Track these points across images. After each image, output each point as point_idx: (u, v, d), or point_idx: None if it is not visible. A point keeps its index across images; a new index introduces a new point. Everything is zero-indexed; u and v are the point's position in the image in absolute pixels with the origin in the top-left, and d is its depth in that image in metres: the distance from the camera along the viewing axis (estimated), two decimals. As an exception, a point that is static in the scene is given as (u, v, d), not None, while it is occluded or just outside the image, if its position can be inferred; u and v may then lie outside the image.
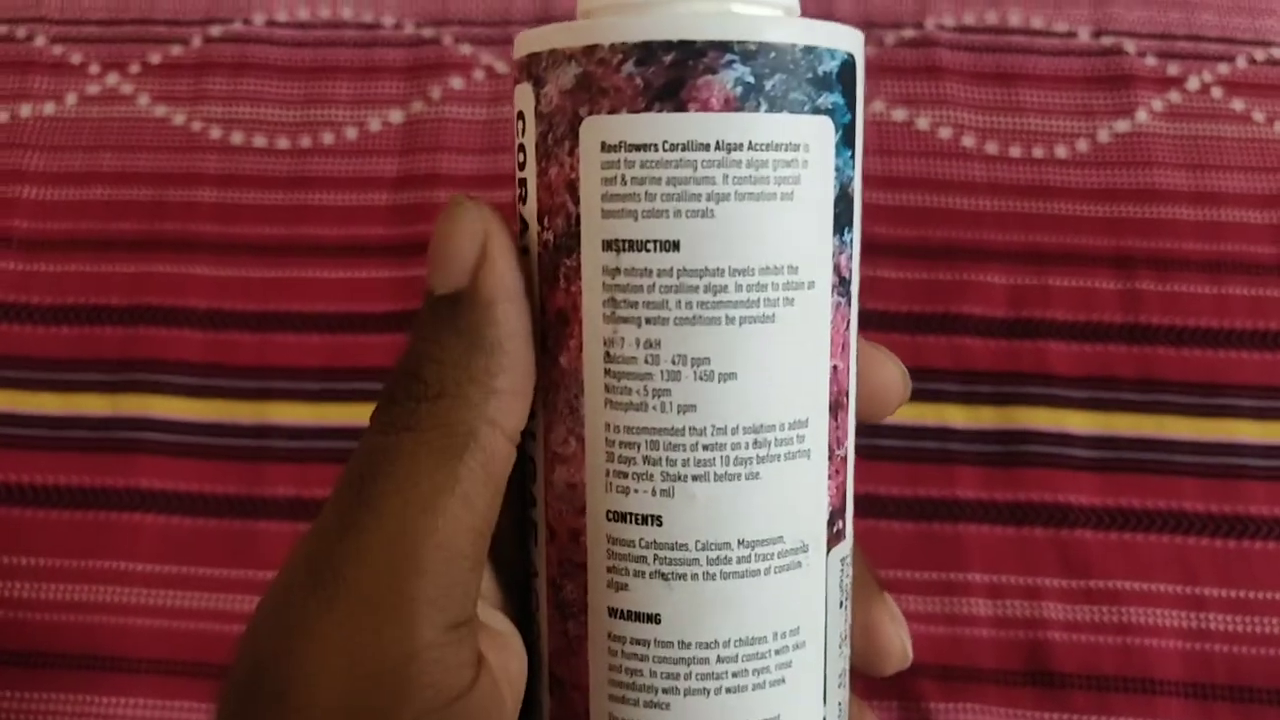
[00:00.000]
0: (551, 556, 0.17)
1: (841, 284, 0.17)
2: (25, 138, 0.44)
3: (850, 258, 0.18)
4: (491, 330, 0.16)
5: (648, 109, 0.16)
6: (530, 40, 0.17)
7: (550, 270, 0.17)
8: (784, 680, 0.17)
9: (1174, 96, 0.44)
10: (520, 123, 0.17)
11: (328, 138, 0.44)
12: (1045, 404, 0.39)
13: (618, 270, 0.16)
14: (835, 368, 0.17)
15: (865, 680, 0.35)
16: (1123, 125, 0.43)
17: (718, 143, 0.16)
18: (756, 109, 0.16)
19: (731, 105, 0.16)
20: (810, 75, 0.16)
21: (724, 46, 0.15)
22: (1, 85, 0.45)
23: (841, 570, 0.18)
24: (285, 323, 0.40)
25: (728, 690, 0.17)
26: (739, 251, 0.16)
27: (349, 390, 0.39)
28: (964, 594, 0.36)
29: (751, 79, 0.16)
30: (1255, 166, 0.42)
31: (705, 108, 0.16)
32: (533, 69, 0.17)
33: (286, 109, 0.44)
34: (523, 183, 0.17)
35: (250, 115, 0.44)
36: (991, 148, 0.43)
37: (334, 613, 0.15)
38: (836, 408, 0.17)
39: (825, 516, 0.17)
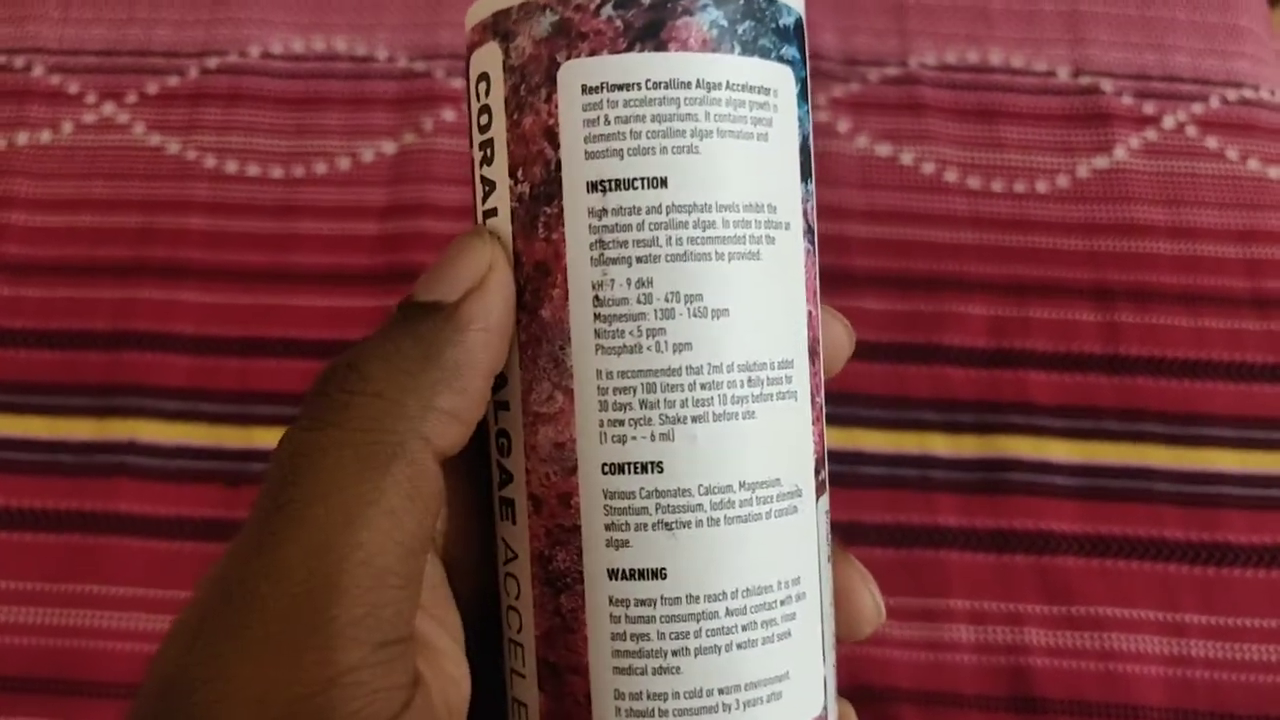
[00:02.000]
0: (537, 529, 0.17)
1: (809, 231, 0.18)
2: (18, 164, 0.44)
3: (812, 209, 0.18)
4: (454, 352, 0.15)
5: (629, 49, 0.16)
6: (494, 0, 0.17)
7: (527, 222, 0.16)
8: (790, 634, 0.17)
9: (1150, 134, 0.45)
10: (483, 84, 0.17)
11: (320, 167, 0.44)
12: (1026, 433, 0.39)
13: (604, 211, 0.16)
14: (810, 313, 0.18)
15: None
16: (1101, 161, 0.44)
17: (698, 80, 0.16)
18: (731, 51, 0.16)
19: (709, 46, 0.16)
20: (774, 25, 0.17)
21: None
22: (-2, 113, 0.45)
23: (827, 521, 0.18)
24: (270, 349, 0.41)
25: (738, 646, 0.16)
26: (725, 187, 0.16)
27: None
28: (946, 620, 0.36)
29: (725, 23, 0.16)
30: (1229, 203, 0.43)
31: (685, 47, 0.16)
32: (499, 25, 0.17)
33: (280, 139, 0.45)
34: (487, 144, 0.17)
35: (244, 145, 0.45)
36: (973, 182, 0.44)
37: (248, 635, 0.14)
38: (813, 354, 0.18)
39: (813, 461, 0.17)
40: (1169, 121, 0.45)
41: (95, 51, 0.47)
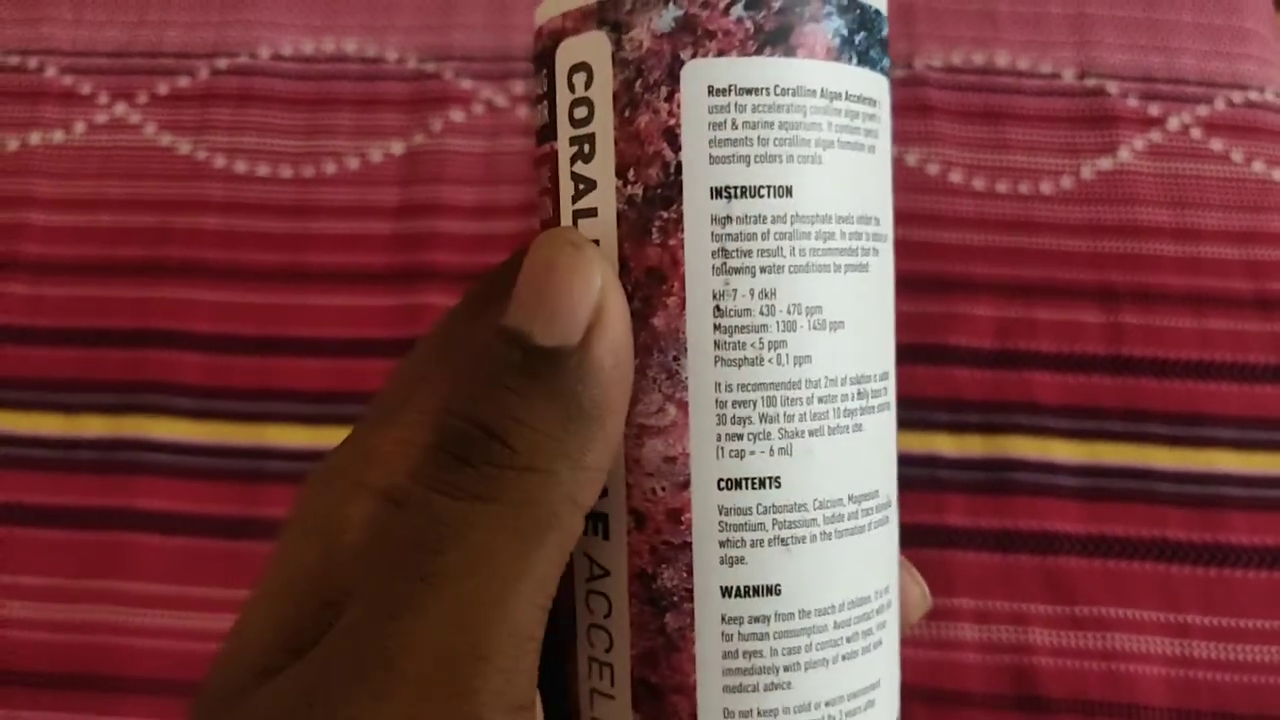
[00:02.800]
0: (639, 546, 0.16)
1: (893, 241, 0.18)
2: (34, 164, 0.45)
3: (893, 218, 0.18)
4: (593, 402, 0.15)
5: (758, 52, 0.15)
6: None
7: (639, 225, 0.16)
8: (881, 642, 0.17)
9: (1155, 136, 0.45)
10: (581, 75, 0.16)
11: (330, 167, 0.45)
12: (1031, 433, 0.39)
13: (728, 218, 0.15)
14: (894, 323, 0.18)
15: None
16: (1106, 163, 0.44)
17: (822, 90, 0.16)
18: (850, 61, 0.16)
19: (831, 55, 0.16)
20: (879, 36, 0.17)
21: None
22: (13, 114, 0.46)
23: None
24: (285, 347, 0.41)
25: (844, 658, 0.16)
26: (843, 199, 0.16)
27: (347, 414, 0.40)
28: (951, 619, 0.37)
29: (845, 32, 0.16)
30: (1233, 205, 0.43)
31: (812, 55, 0.16)
32: (608, 14, 0.16)
33: (290, 139, 0.45)
34: (584, 139, 0.16)
35: (255, 145, 0.45)
36: (979, 184, 0.44)
37: (385, 704, 0.14)
38: (896, 362, 0.18)
39: (896, 471, 0.18)
40: (1174, 123, 0.45)
41: (107, 53, 0.47)
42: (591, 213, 0.16)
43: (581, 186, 0.16)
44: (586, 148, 0.16)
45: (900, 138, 0.45)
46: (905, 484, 0.39)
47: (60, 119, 0.46)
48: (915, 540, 0.38)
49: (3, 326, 0.41)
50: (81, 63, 0.47)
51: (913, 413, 0.40)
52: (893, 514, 0.17)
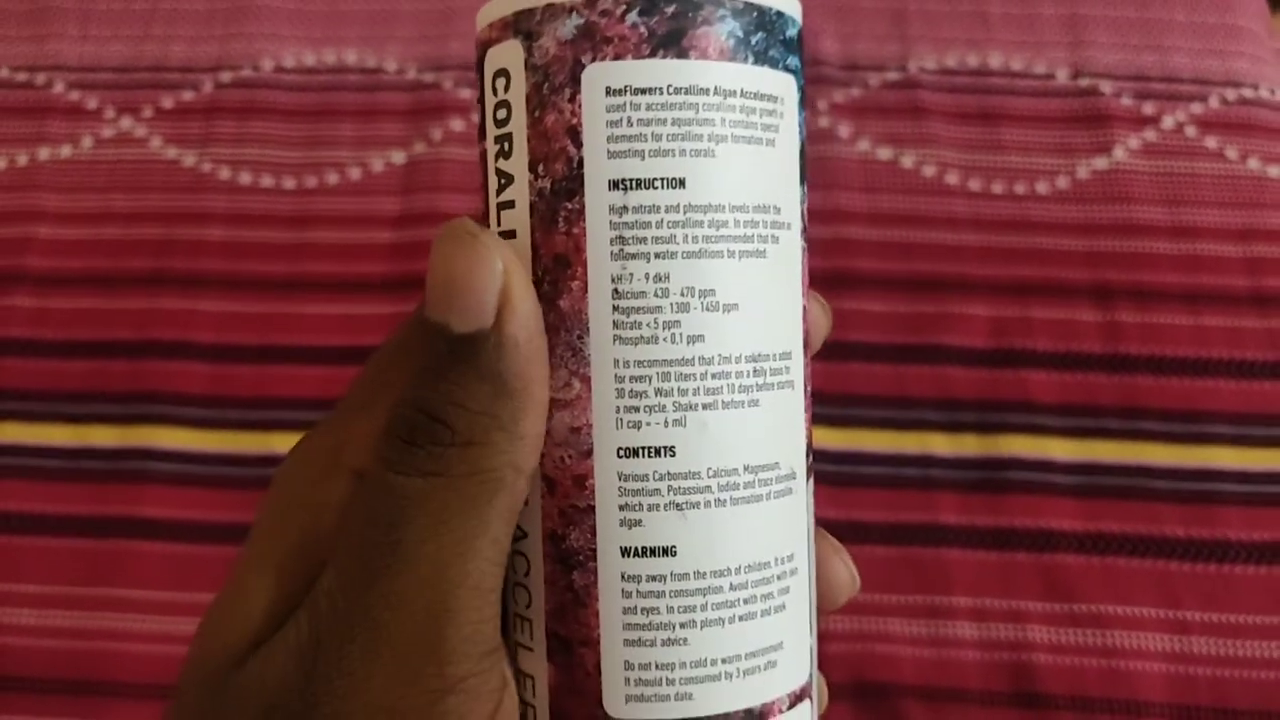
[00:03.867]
0: (550, 509, 0.17)
1: (804, 230, 0.19)
2: (41, 179, 0.45)
3: (806, 209, 0.19)
4: (515, 376, 0.16)
5: (652, 55, 0.17)
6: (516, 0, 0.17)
7: (548, 215, 0.17)
8: (784, 606, 0.18)
9: (1150, 135, 0.45)
10: (501, 80, 0.18)
11: (332, 178, 0.45)
12: (1027, 432, 0.40)
13: (625, 208, 0.17)
14: (805, 307, 0.19)
15: (851, 698, 0.35)
16: (1101, 162, 0.45)
17: (715, 88, 0.17)
18: (745, 60, 0.17)
19: (725, 55, 0.17)
20: (781, 37, 0.18)
21: (718, 3, 0.17)
22: (21, 129, 0.47)
23: (812, 502, 0.19)
24: (287, 356, 0.42)
25: (740, 618, 0.17)
26: (737, 189, 0.17)
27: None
28: (949, 617, 0.37)
29: (740, 33, 0.17)
30: (1229, 202, 0.43)
31: (704, 55, 0.17)
32: (521, 24, 0.17)
33: (293, 150, 0.46)
34: (504, 138, 0.18)
35: (258, 156, 0.46)
36: (974, 184, 0.44)
37: (376, 658, 0.15)
38: (806, 344, 0.19)
39: (805, 445, 0.18)
40: (1168, 122, 0.45)
41: (113, 68, 0.48)
42: (510, 205, 0.18)
43: (503, 181, 0.18)
44: (506, 145, 0.18)
45: (896, 140, 0.45)
46: (900, 483, 0.39)
47: (67, 134, 0.47)
48: (912, 539, 0.38)
49: (10, 339, 0.42)
50: (88, 78, 0.48)
51: (908, 412, 0.40)
52: (798, 486, 0.18)
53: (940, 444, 0.40)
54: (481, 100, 0.18)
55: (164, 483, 0.40)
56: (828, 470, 0.39)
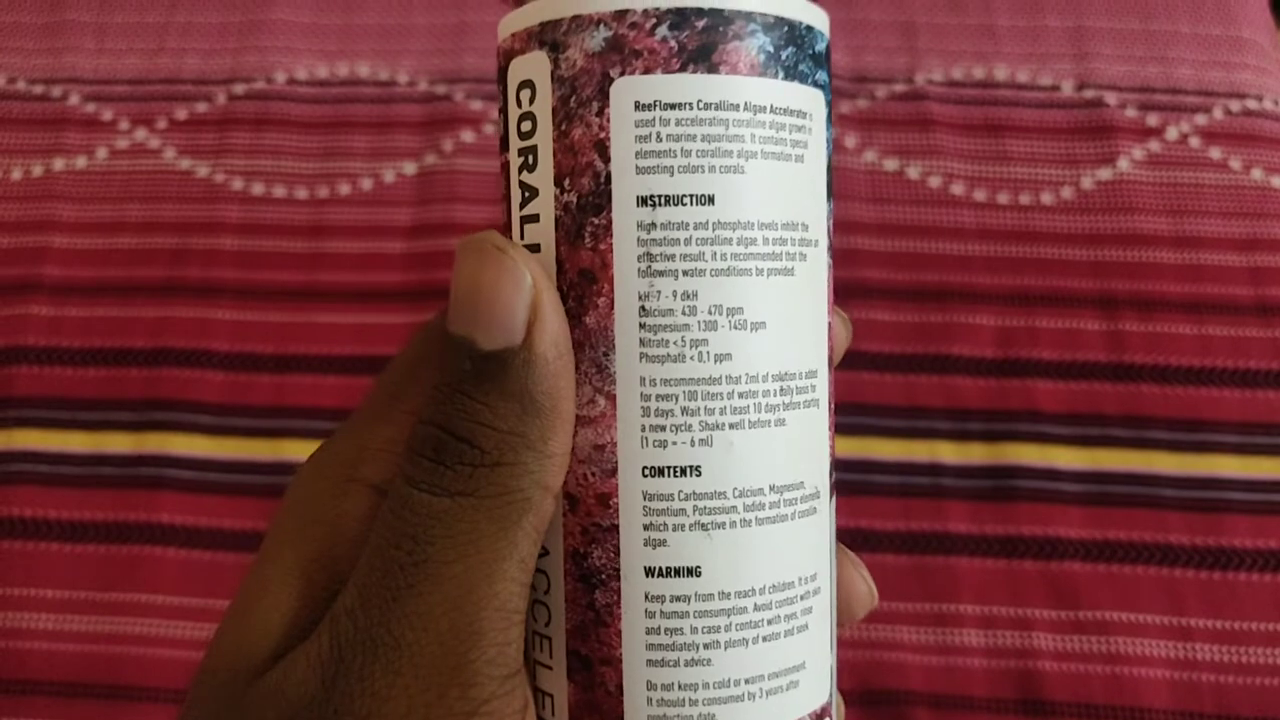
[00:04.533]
0: (572, 527, 0.17)
1: (830, 247, 0.19)
2: (58, 189, 0.46)
3: (832, 225, 0.19)
4: (545, 394, 0.16)
5: (682, 69, 0.16)
6: (542, 9, 0.17)
7: (574, 230, 0.17)
8: (807, 626, 0.18)
9: (1154, 146, 0.46)
10: (526, 92, 0.17)
11: (345, 188, 0.46)
12: (1034, 440, 0.40)
13: (653, 225, 0.16)
14: (830, 324, 0.19)
15: (860, 705, 0.36)
16: (1105, 173, 0.45)
17: (746, 104, 0.17)
18: (775, 76, 0.17)
19: (756, 70, 0.17)
20: (811, 51, 0.18)
21: (749, 17, 0.17)
22: (37, 141, 0.47)
23: (834, 520, 0.19)
24: (302, 365, 0.42)
25: (764, 639, 0.17)
26: (766, 206, 0.17)
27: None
28: (956, 625, 0.37)
29: (771, 48, 0.17)
30: (1233, 212, 0.44)
31: (735, 71, 0.17)
32: (547, 35, 0.17)
33: (306, 161, 0.46)
34: (529, 150, 0.17)
35: (271, 168, 0.46)
36: (980, 195, 0.45)
37: (399, 678, 0.15)
38: (830, 362, 0.19)
39: (829, 464, 0.18)
40: (1172, 133, 0.46)
41: (128, 80, 0.49)
42: (535, 219, 0.17)
43: (527, 194, 0.17)
44: (531, 158, 0.17)
45: (903, 151, 0.46)
46: (909, 492, 0.40)
47: (83, 145, 0.47)
48: (920, 547, 0.39)
49: (27, 347, 0.42)
50: (103, 90, 0.49)
51: (916, 421, 0.40)
52: (822, 505, 0.18)
53: (948, 452, 0.40)
54: (504, 111, 0.18)
55: (180, 489, 0.40)
56: (837, 479, 0.40)
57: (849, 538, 0.39)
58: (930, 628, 0.37)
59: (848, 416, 0.41)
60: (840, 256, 0.43)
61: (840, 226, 0.44)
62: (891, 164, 0.46)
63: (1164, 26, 0.48)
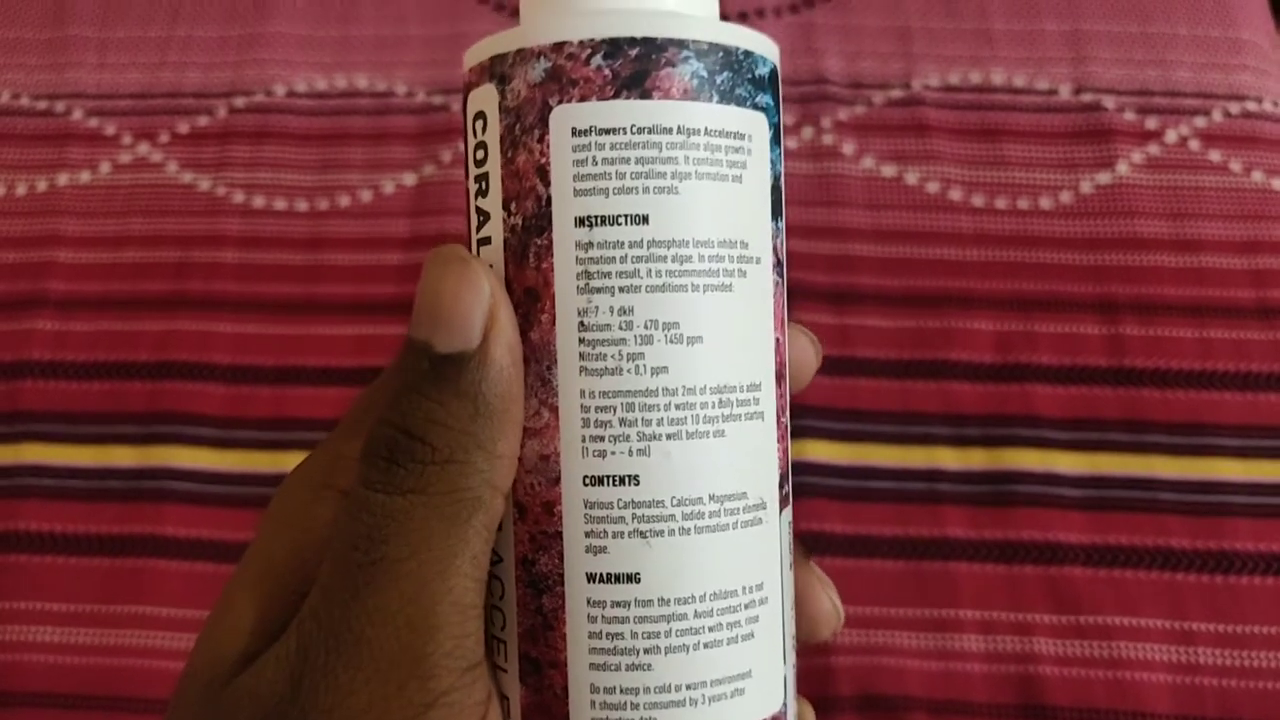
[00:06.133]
0: (521, 534, 0.18)
1: (778, 265, 0.19)
2: (62, 204, 0.46)
3: (782, 244, 0.19)
4: (497, 396, 0.17)
5: (615, 96, 0.17)
6: (493, 44, 0.18)
7: (519, 251, 0.18)
8: (753, 635, 0.18)
9: (1153, 149, 0.45)
10: (480, 122, 0.18)
11: (344, 200, 0.46)
12: (1033, 445, 0.40)
13: (590, 244, 0.17)
14: (777, 340, 0.19)
15: (859, 711, 0.36)
16: (1104, 177, 0.45)
17: (679, 127, 0.17)
18: (710, 100, 0.18)
19: (689, 95, 0.17)
20: (749, 76, 0.18)
21: (681, 44, 0.17)
22: (41, 156, 0.48)
23: (789, 532, 0.19)
24: (302, 377, 0.42)
25: (705, 645, 0.17)
26: (701, 225, 0.17)
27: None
28: (956, 630, 0.37)
29: (704, 73, 0.18)
30: (1233, 214, 0.44)
31: (667, 95, 0.17)
32: (496, 68, 0.18)
33: (305, 174, 0.47)
34: (482, 178, 0.18)
35: (271, 180, 0.47)
36: (978, 200, 0.45)
37: (360, 673, 0.16)
38: (779, 377, 0.19)
39: (777, 476, 0.19)
40: (1171, 136, 0.46)
41: (130, 95, 0.49)
42: (488, 241, 0.18)
43: (480, 218, 0.19)
44: (484, 184, 0.18)
45: (900, 157, 0.46)
46: (907, 497, 0.40)
47: (86, 160, 0.48)
48: (919, 553, 0.39)
49: (33, 362, 0.43)
50: (106, 105, 0.49)
51: (914, 427, 0.40)
52: (769, 516, 0.18)
53: (947, 458, 0.40)
54: (464, 140, 0.19)
55: (183, 502, 0.40)
56: (835, 485, 0.40)
57: (847, 544, 0.39)
58: (929, 633, 0.37)
59: (845, 422, 0.41)
60: (837, 262, 0.43)
61: (837, 232, 0.44)
62: (889, 170, 0.46)
63: (1162, 29, 0.48)
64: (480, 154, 0.18)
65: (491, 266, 0.18)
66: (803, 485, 0.39)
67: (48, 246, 0.45)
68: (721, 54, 0.18)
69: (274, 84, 0.49)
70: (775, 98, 0.19)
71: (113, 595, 0.39)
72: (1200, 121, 0.46)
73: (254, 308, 0.44)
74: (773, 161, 0.19)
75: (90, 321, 0.44)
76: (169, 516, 0.40)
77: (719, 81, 0.18)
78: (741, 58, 0.18)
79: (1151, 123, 0.46)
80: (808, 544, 0.39)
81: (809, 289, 0.43)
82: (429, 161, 0.47)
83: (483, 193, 0.18)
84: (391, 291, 0.44)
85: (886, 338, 0.42)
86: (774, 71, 0.19)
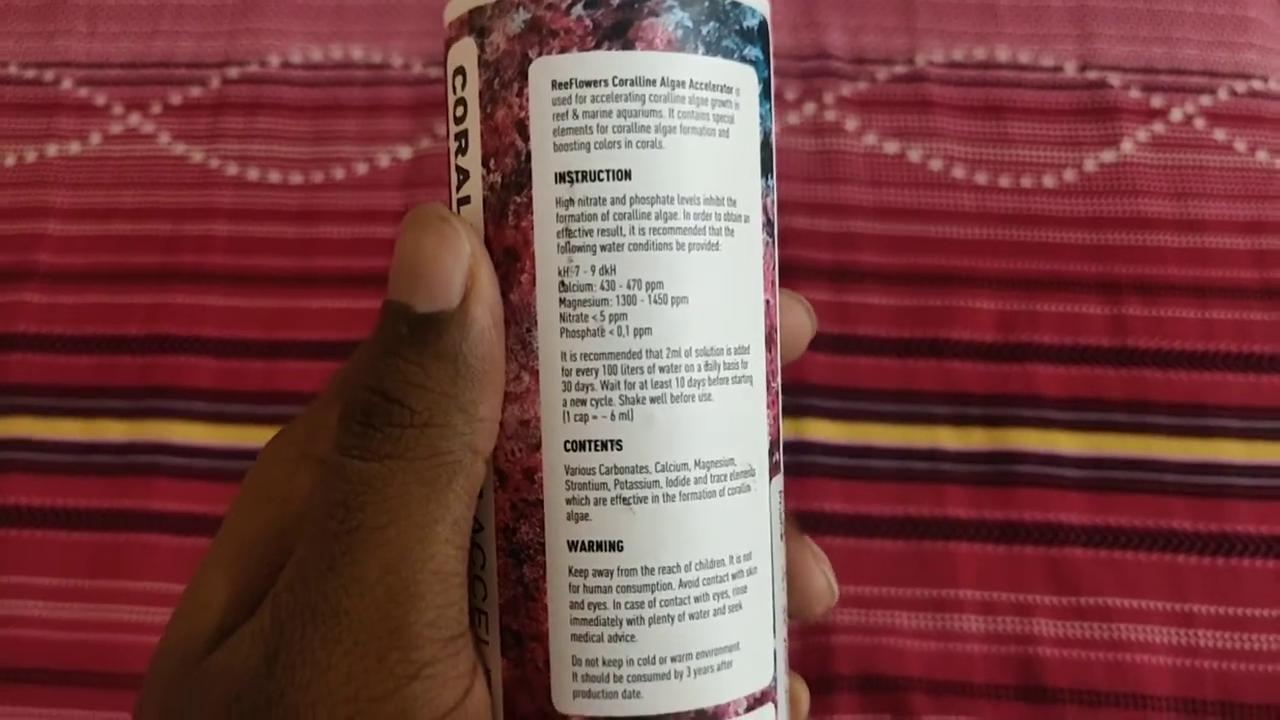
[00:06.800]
0: (502, 502, 0.17)
1: (768, 224, 0.18)
2: (50, 175, 0.46)
3: (772, 203, 0.19)
4: (478, 358, 0.16)
5: (597, 47, 0.17)
6: None
7: (498, 209, 0.17)
8: (741, 606, 0.17)
9: (1158, 127, 0.45)
10: (459, 78, 0.18)
11: (339, 173, 0.45)
12: (1034, 425, 0.40)
13: (571, 201, 0.17)
14: (767, 302, 0.18)
15: (858, 691, 0.35)
16: (1108, 155, 0.44)
17: (663, 79, 0.17)
18: (695, 51, 0.17)
19: (674, 45, 0.17)
20: (738, 27, 0.18)
21: None
22: (30, 126, 0.47)
23: (780, 502, 0.19)
24: (295, 351, 0.42)
25: (691, 616, 0.17)
26: (686, 180, 0.17)
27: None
28: (956, 610, 0.37)
29: (690, 24, 0.17)
30: (1238, 194, 0.43)
31: (651, 46, 0.17)
32: (475, 21, 0.17)
33: (299, 146, 0.46)
34: (462, 135, 0.18)
35: (265, 152, 0.46)
36: (981, 178, 0.44)
37: (338, 645, 0.15)
38: (769, 341, 0.18)
39: (767, 443, 0.18)
40: (1177, 114, 0.45)
41: (121, 64, 0.48)
42: (467, 200, 0.18)
43: (460, 177, 0.18)
44: (464, 142, 0.18)
45: (903, 133, 0.45)
46: (908, 477, 0.39)
47: (76, 130, 0.47)
48: (919, 533, 0.38)
49: (21, 335, 0.42)
50: (96, 74, 0.48)
51: (915, 406, 0.40)
52: (758, 484, 0.18)
53: (948, 438, 0.40)
54: (446, 98, 0.18)
55: (174, 476, 0.40)
56: (835, 464, 0.39)
57: (848, 523, 0.38)
58: (929, 613, 0.37)
59: (846, 401, 0.40)
60: (839, 239, 0.43)
61: (839, 209, 0.44)
62: (892, 147, 0.45)
63: (1168, 6, 0.48)
64: (460, 110, 0.18)
65: (472, 226, 0.17)
66: (803, 464, 0.39)
67: (37, 218, 0.45)
68: (708, 3, 0.17)
69: (268, 54, 0.48)
70: (765, 51, 0.18)
71: (102, 570, 0.38)
72: (1206, 100, 0.45)
73: (246, 281, 0.43)
74: (762, 117, 0.18)
75: (79, 294, 0.43)
76: (159, 491, 0.39)
77: (705, 32, 0.17)
78: (729, 8, 0.17)
79: (1157, 101, 0.45)
80: (807, 523, 0.38)
81: (810, 266, 0.42)
82: (424, 135, 0.46)
83: (462, 150, 0.18)
84: (386, 265, 0.43)
85: (888, 316, 0.42)
86: (764, 24, 0.18)
